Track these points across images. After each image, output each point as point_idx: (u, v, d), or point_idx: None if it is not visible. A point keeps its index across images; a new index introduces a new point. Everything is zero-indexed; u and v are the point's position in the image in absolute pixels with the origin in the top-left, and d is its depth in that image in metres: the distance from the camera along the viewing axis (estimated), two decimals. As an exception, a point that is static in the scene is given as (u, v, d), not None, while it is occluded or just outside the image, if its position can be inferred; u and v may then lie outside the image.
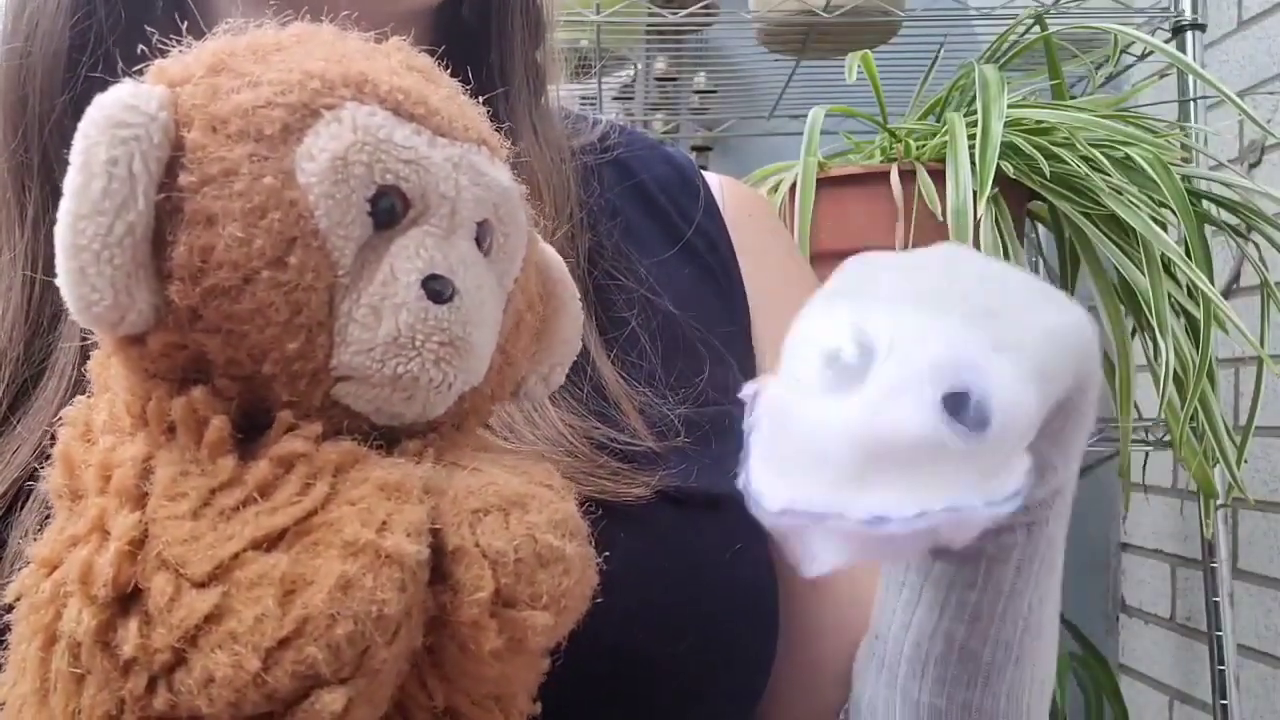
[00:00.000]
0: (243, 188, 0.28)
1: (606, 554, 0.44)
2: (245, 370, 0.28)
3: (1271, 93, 1.35)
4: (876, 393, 0.28)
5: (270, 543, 0.26)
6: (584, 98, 1.52)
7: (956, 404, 0.28)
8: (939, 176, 1.00)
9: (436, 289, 0.29)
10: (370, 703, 0.27)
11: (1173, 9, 1.31)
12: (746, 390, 0.32)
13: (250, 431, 0.29)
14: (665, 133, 1.68)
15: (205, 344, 0.28)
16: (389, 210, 0.29)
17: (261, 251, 0.28)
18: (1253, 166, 1.37)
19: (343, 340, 0.29)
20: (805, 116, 1.10)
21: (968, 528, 0.28)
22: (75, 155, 0.27)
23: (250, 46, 0.30)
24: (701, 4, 1.36)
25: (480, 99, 0.35)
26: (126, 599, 0.26)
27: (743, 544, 0.47)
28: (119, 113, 0.27)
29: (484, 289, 0.31)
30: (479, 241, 0.32)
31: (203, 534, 0.26)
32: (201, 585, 0.25)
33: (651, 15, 1.38)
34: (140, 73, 0.30)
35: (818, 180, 1.05)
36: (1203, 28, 1.31)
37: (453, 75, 0.35)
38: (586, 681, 0.42)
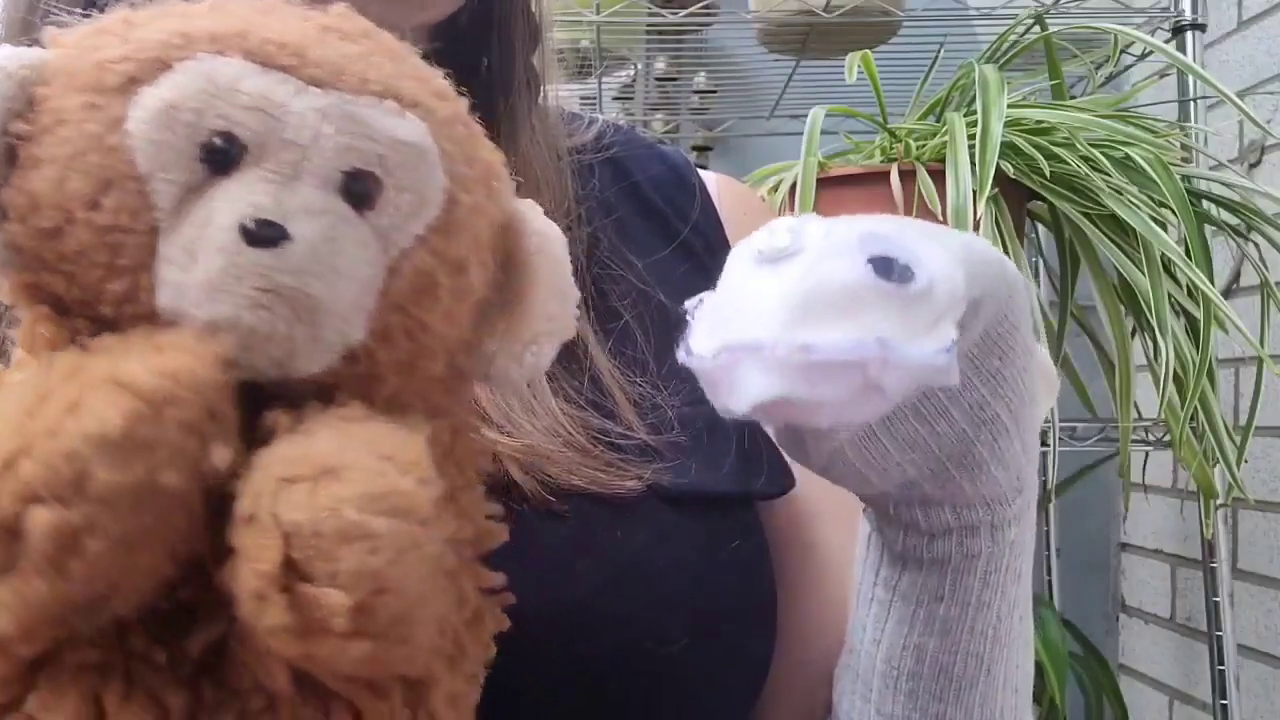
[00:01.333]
0: (68, 134, 0.29)
1: (602, 551, 0.44)
2: (92, 311, 0.29)
3: (1271, 93, 1.35)
4: (809, 257, 0.30)
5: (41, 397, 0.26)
6: (584, 98, 1.52)
7: (885, 266, 0.30)
8: (939, 176, 1.00)
9: (256, 231, 0.29)
10: (107, 538, 0.25)
11: (1173, 9, 1.31)
12: (690, 303, 0.33)
13: None
14: (665, 133, 1.69)
15: (53, 285, 0.30)
16: (225, 154, 0.29)
17: (78, 192, 0.29)
18: (1253, 166, 1.37)
19: (161, 282, 0.29)
20: (805, 116, 1.10)
21: (896, 370, 0.29)
22: None
23: (155, 12, 0.31)
24: (701, 4, 1.36)
25: (479, 100, 0.34)
26: None
27: (739, 542, 0.48)
28: None
29: (340, 240, 0.30)
30: (364, 194, 0.31)
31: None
32: None
33: (651, 15, 1.38)
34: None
35: (818, 180, 1.05)
36: (1203, 28, 1.31)
37: (451, 76, 0.34)
38: (583, 678, 0.42)
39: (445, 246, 0.33)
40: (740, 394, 0.30)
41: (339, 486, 0.26)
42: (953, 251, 0.32)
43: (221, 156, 0.29)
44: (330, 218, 0.30)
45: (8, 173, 0.30)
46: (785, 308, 0.29)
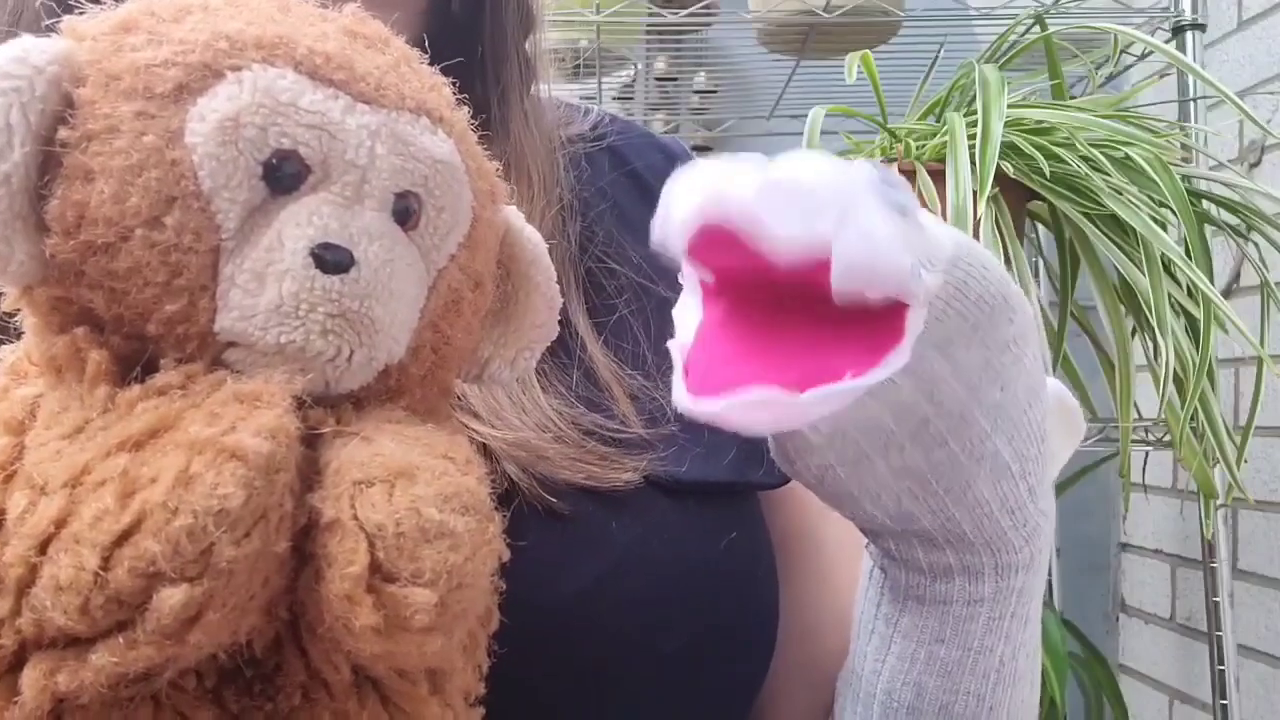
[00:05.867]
0: (123, 145, 0.28)
1: (599, 544, 0.44)
2: (133, 329, 0.28)
3: (1271, 93, 1.35)
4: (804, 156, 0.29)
5: (126, 449, 0.26)
6: (584, 98, 1.52)
7: (880, 184, 0.29)
8: (939, 176, 1.00)
9: (328, 258, 0.29)
10: (224, 607, 0.25)
11: (1173, 9, 1.31)
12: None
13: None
14: (665, 133, 1.68)
15: (91, 300, 0.28)
16: (290, 176, 0.29)
17: (136, 210, 0.27)
18: (1253, 166, 1.37)
19: (225, 305, 0.28)
20: (805, 116, 1.10)
21: (854, 235, 0.28)
22: None
23: (174, 5, 0.30)
24: (701, 4, 1.36)
25: (472, 86, 0.34)
26: None
27: (738, 533, 0.47)
28: (6, 65, 0.27)
29: (396, 262, 0.30)
30: (407, 213, 0.31)
31: (67, 450, 0.26)
32: (54, 494, 0.25)
33: (651, 15, 1.38)
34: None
35: (817, 180, 1.05)
36: (1203, 28, 1.31)
37: (444, 64, 0.34)
38: (583, 671, 0.42)
39: (470, 262, 0.34)
40: (684, 210, 0.28)
41: (416, 487, 0.27)
42: (950, 233, 0.31)
43: (287, 176, 0.29)
44: (388, 240, 0.30)
45: (52, 184, 0.28)
46: (766, 171, 0.28)
